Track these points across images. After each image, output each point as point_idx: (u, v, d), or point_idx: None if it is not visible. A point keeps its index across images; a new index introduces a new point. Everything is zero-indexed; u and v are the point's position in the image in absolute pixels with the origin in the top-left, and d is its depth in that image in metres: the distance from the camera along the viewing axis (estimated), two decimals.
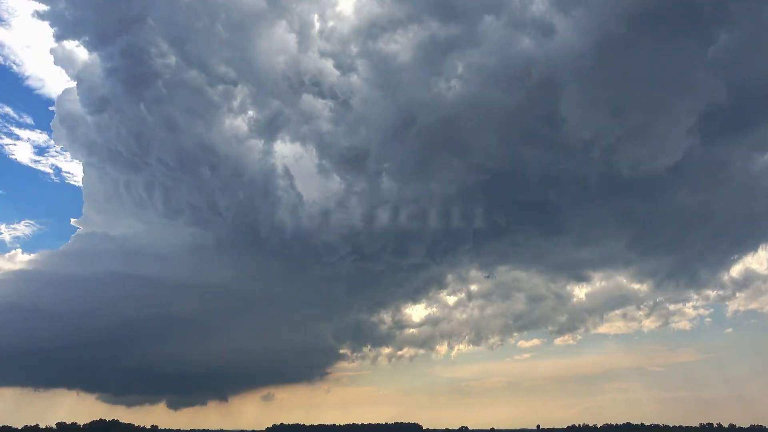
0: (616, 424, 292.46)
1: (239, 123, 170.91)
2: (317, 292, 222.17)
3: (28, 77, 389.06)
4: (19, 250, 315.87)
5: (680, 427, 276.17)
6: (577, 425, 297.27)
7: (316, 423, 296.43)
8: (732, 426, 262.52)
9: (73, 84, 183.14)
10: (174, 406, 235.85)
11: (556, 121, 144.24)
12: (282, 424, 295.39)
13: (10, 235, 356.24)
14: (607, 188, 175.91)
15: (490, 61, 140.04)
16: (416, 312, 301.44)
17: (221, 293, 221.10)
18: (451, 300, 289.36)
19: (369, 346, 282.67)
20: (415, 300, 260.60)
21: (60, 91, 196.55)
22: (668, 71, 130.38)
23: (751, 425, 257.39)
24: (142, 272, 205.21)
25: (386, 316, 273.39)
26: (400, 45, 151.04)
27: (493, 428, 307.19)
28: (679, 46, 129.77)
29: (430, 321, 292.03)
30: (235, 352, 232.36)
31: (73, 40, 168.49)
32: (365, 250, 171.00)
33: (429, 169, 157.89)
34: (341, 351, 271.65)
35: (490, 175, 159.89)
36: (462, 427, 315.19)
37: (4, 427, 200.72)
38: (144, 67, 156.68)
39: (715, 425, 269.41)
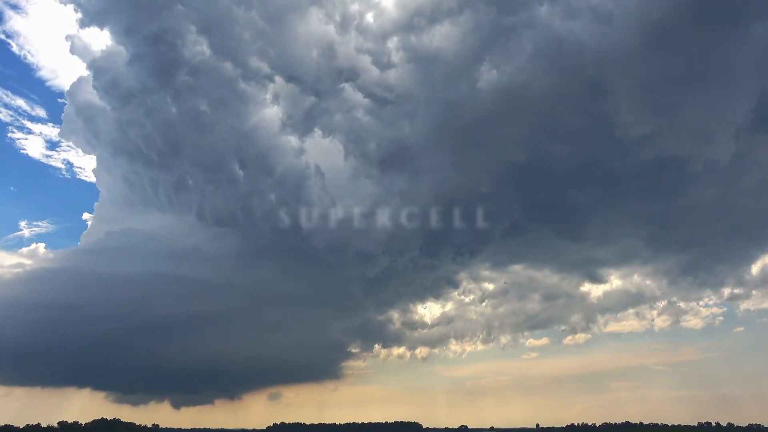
0: (615, 423, 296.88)
1: (272, 118, 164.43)
2: (334, 292, 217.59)
3: (41, 68, 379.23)
4: (42, 245, 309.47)
5: (678, 426, 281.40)
6: (576, 424, 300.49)
7: (316, 422, 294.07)
8: (730, 425, 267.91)
9: (87, 73, 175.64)
10: (179, 404, 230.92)
11: (601, 115, 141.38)
12: (282, 423, 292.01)
13: (30, 231, 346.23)
14: (630, 185, 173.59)
15: (539, 50, 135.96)
16: (427, 311, 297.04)
17: (243, 293, 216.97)
18: (462, 299, 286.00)
19: (379, 345, 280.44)
20: (425, 299, 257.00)
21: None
22: (719, 66, 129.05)
23: (749, 424, 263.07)
24: (159, 270, 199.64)
25: (396, 316, 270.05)
26: (444, 36, 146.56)
27: (492, 427, 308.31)
28: (728, 39, 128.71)
29: (441, 320, 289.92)
30: (247, 350, 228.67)
31: (98, 26, 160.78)
32: (396, 254, 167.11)
33: (466, 167, 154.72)
34: (351, 350, 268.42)
35: (525, 171, 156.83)
36: (462, 426, 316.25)
37: (6, 426, 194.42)
38: (172, 55, 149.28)
39: (713, 424, 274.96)
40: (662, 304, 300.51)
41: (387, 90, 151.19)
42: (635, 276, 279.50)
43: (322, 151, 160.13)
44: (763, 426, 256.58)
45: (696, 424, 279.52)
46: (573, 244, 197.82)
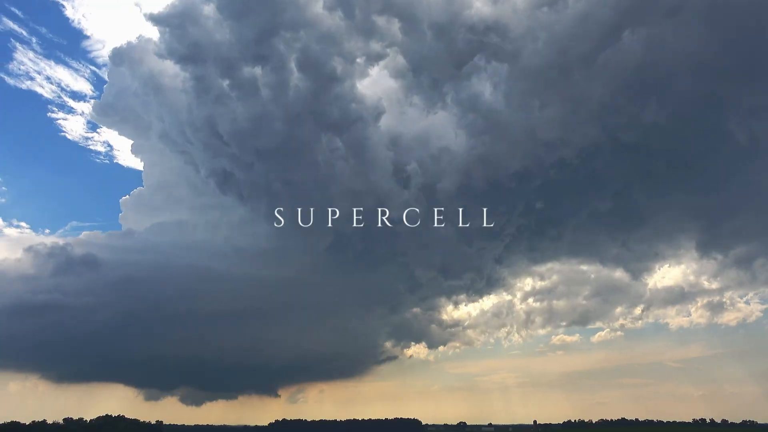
0: (611, 420, 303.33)
1: (385, 97, 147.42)
2: (379, 292, 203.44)
3: (90, 36, 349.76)
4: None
5: (673, 422, 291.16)
6: (572, 421, 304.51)
7: (317, 419, 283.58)
8: (725, 421, 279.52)
9: (146, 35, 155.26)
10: (201, 400, 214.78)
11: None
12: (284, 419, 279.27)
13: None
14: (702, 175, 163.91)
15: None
16: (461, 309, 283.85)
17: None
18: (496, 296, 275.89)
19: (409, 343, 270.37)
20: (457, 297, 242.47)
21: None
22: None
23: (743, 421, 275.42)
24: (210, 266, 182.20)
25: (427, 314, 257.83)
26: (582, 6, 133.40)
27: (491, 423, 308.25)
28: None
29: (473, 318, 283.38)
30: (278, 350, 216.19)
31: None
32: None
33: (579, 151, 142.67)
34: (379, 348, 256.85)
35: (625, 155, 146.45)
36: (461, 422, 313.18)
37: (11, 422, 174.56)
38: (277, 14, 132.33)
39: (708, 420, 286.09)
40: (704, 300, 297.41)
41: (518, 69, 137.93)
42: (685, 272, 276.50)
43: (447, 134, 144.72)
44: (756, 422, 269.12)
45: (691, 420, 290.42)
46: (620, 238, 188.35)
